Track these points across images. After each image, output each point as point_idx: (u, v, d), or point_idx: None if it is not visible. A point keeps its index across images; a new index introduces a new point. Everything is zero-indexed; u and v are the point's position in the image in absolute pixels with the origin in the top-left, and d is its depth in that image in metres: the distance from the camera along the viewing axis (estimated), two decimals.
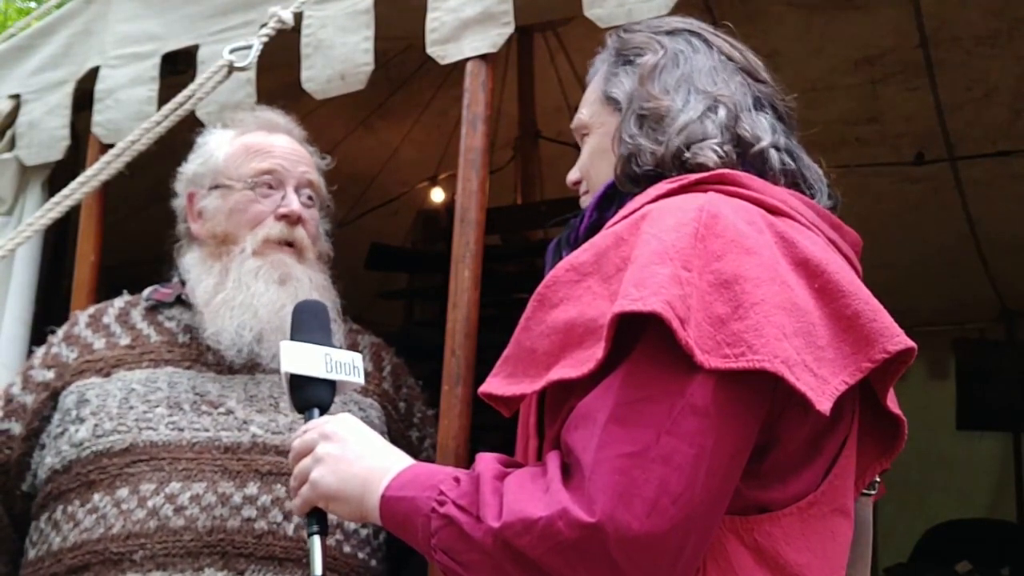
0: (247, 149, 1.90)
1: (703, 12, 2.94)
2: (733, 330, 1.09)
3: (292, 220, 1.85)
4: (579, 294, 1.17)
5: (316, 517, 1.40)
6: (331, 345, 1.53)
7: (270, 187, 1.87)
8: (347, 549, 1.75)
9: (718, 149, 1.29)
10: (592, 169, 1.46)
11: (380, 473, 1.29)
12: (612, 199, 1.37)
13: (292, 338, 1.52)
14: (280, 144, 1.92)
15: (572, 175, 1.51)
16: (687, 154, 1.29)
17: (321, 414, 1.47)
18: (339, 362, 1.51)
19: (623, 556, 1.05)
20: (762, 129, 1.34)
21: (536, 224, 4.10)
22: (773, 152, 1.33)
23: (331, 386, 1.50)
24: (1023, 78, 3.46)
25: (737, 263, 1.12)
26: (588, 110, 1.47)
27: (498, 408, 1.24)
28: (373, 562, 1.80)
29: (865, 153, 3.82)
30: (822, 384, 1.12)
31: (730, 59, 1.40)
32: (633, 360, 1.11)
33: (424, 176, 4.58)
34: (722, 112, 1.32)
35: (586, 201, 1.46)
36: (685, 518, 1.06)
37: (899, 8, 3.17)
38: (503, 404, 1.23)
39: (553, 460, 1.14)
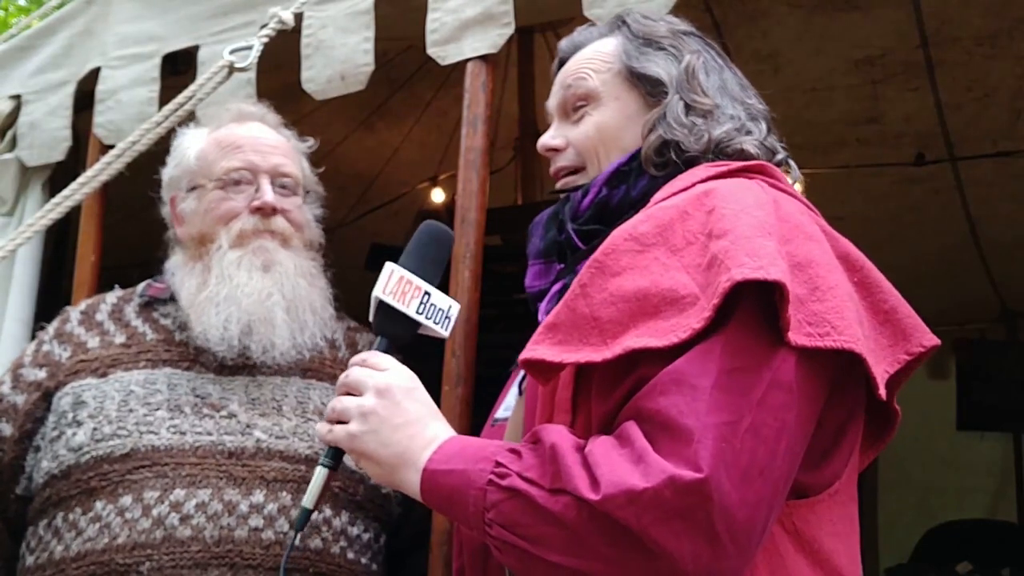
0: (218, 145, 1.86)
1: (703, 12, 2.94)
2: (813, 310, 1.12)
3: (267, 212, 1.80)
4: (645, 263, 1.15)
5: (334, 452, 1.35)
6: (435, 283, 1.43)
7: (241, 183, 1.82)
8: (351, 555, 1.74)
9: (758, 144, 1.35)
10: (600, 144, 1.40)
11: (422, 444, 1.24)
12: (624, 177, 1.36)
13: (401, 260, 1.41)
14: (251, 135, 1.87)
15: (555, 140, 1.45)
16: (729, 141, 1.33)
17: (389, 348, 1.40)
18: (435, 306, 1.42)
19: (723, 525, 1.04)
20: (775, 141, 1.41)
21: None
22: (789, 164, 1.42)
23: (415, 325, 1.42)
24: (1023, 78, 3.46)
25: (805, 248, 1.16)
26: (599, 78, 1.42)
27: (535, 377, 1.21)
28: (374, 566, 1.79)
29: (865, 153, 3.81)
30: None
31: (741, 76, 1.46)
32: (731, 328, 1.11)
33: (424, 176, 4.58)
34: (762, 124, 1.39)
35: (565, 175, 1.44)
36: (769, 491, 1.07)
37: (899, 8, 3.16)
38: (547, 372, 1.19)
39: (635, 429, 1.10)
